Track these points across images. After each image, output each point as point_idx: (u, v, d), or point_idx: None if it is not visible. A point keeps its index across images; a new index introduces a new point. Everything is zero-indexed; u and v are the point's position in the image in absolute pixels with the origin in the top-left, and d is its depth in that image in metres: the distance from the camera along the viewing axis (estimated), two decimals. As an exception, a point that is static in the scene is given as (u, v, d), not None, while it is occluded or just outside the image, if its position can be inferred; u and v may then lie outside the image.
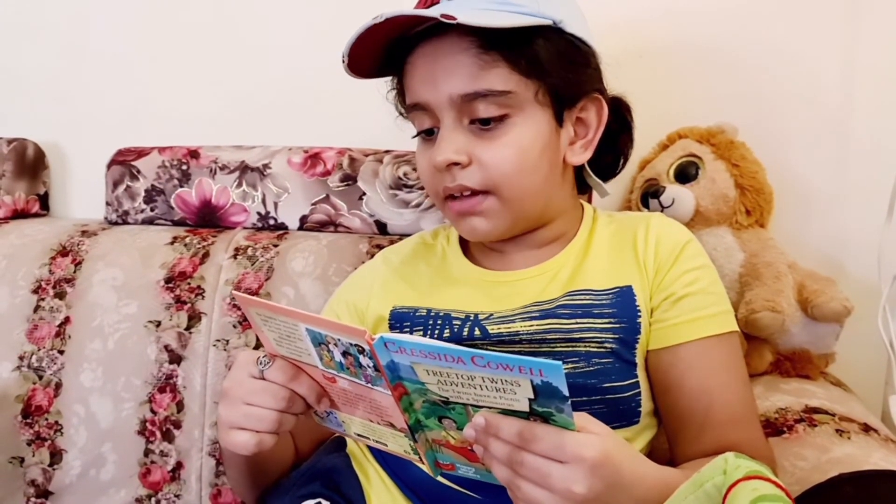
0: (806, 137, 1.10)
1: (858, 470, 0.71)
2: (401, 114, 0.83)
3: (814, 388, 0.94)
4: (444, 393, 0.55)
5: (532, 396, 0.51)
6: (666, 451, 0.75)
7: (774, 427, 0.84)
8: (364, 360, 0.56)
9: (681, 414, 0.72)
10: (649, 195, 1.02)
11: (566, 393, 0.50)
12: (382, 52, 0.75)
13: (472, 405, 0.55)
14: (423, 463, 0.63)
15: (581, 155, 0.78)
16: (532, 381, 0.50)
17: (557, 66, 0.72)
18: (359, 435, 0.67)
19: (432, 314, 0.77)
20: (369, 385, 0.58)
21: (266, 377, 0.63)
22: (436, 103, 0.72)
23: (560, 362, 0.48)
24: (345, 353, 0.57)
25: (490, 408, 0.54)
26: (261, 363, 0.63)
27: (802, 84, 1.10)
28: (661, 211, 1.00)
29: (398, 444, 0.63)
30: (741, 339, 0.96)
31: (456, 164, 0.72)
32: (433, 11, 0.67)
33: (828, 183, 1.11)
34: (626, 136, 0.83)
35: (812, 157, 1.11)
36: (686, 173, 1.01)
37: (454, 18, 0.65)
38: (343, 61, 0.74)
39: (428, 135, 0.75)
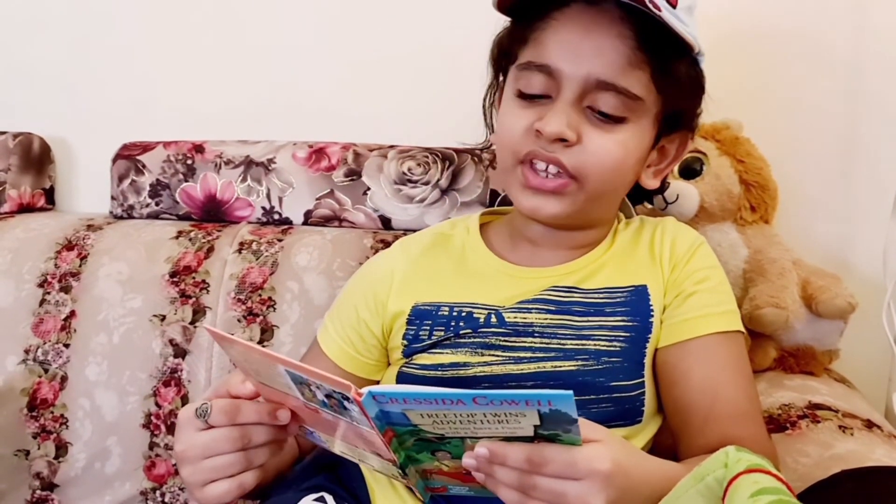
0: (811, 134, 1.10)
1: (861, 466, 0.71)
2: (495, 60, 0.79)
3: (817, 385, 0.94)
4: (438, 431, 0.53)
5: (538, 423, 0.50)
6: (669, 447, 0.75)
7: (778, 423, 0.84)
8: (348, 405, 0.54)
9: (686, 407, 0.72)
10: (653, 191, 1.02)
11: (575, 417, 0.49)
12: None
13: (469, 437, 0.53)
14: (413, 487, 0.63)
15: (652, 180, 0.78)
16: (540, 411, 0.49)
17: (686, 93, 0.73)
18: (342, 452, 0.65)
19: (455, 312, 0.76)
20: (355, 424, 0.56)
21: (212, 424, 0.60)
22: (569, 75, 0.69)
23: (570, 392, 0.47)
24: (328, 396, 0.55)
25: (490, 437, 0.53)
26: (200, 413, 0.60)
27: (808, 80, 1.10)
28: (665, 207, 1.00)
29: (384, 468, 0.62)
30: (745, 335, 0.96)
31: (563, 140, 0.69)
32: None
33: (833, 179, 1.11)
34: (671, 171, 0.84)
35: (817, 153, 1.11)
36: (691, 169, 1.01)
37: (659, 9, 0.64)
38: None
39: (533, 98, 0.72)
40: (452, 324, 0.76)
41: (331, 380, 0.52)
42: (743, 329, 0.76)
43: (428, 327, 0.77)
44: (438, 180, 1.09)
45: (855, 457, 0.74)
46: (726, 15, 1.10)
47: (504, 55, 0.78)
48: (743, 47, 1.10)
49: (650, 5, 0.64)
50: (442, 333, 0.76)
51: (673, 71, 0.70)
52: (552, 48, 0.70)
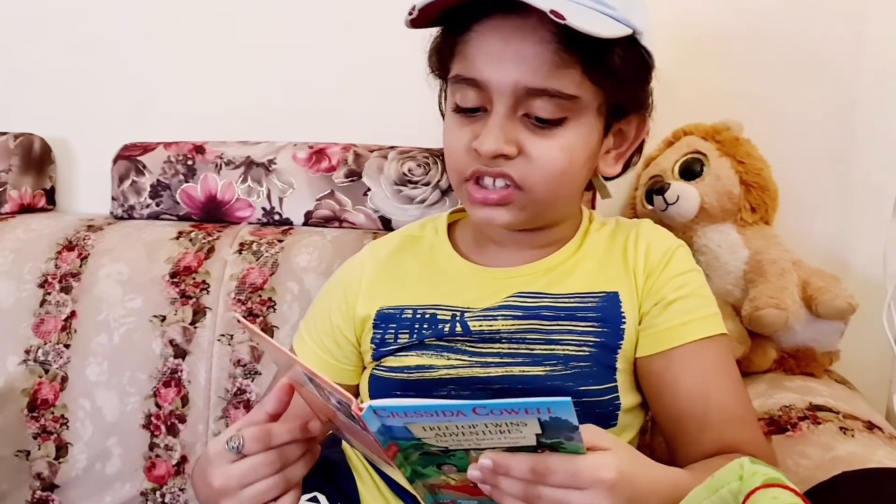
0: (811, 135, 1.10)
1: (862, 468, 0.71)
2: (435, 72, 0.77)
3: (818, 386, 0.94)
4: (442, 444, 0.53)
5: (539, 432, 0.50)
6: (666, 451, 0.75)
7: (778, 425, 0.84)
8: (354, 415, 0.53)
9: (678, 417, 0.71)
10: (654, 192, 1.02)
11: (576, 424, 0.48)
12: (447, 8, 0.68)
13: (473, 449, 0.53)
14: (421, 500, 0.62)
15: (613, 167, 0.76)
16: (540, 419, 0.48)
17: (627, 80, 0.70)
18: (363, 453, 0.65)
19: (418, 315, 0.76)
20: (364, 431, 0.55)
21: (246, 453, 0.59)
22: (497, 86, 0.67)
23: (569, 398, 0.47)
24: (339, 402, 0.55)
25: (494, 448, 0.52)
26: (231, 446, 0.59)
27: (808, 81, 1.10)
28: (666, 208, 1.00)
29: (395, 474, 0.62)
30: (745, 337, 0.96)
31: (503, 155, 0.68)
32: (543, 2, 0.62)
33: (833, 180, 1.11)
34: (640, 146, 0.81)
35: (817, 154, 1.11)
36: (691, 170, 1.01)
37: (563, 18, 0.61)
38: (410, 14, 0.68)
39: (470, 112, 0.71)
40: (416, 326, 0.75)
41: (335, 389, 0.52)
42: (726, 331, 0.74)
43: (393, 331, 0.76)
44: (439, 181, 1.09)
45: (856, 458, 0.73)
46: (727, 17, 1.10)
47: (439, 64, 0.76)
48: (744, 49, 1.10)
49: (552, 16, 0.62)
50: (407, 337, 0.75)
51: (606, 63, 0.67)
52: (477, 60, 0.68)
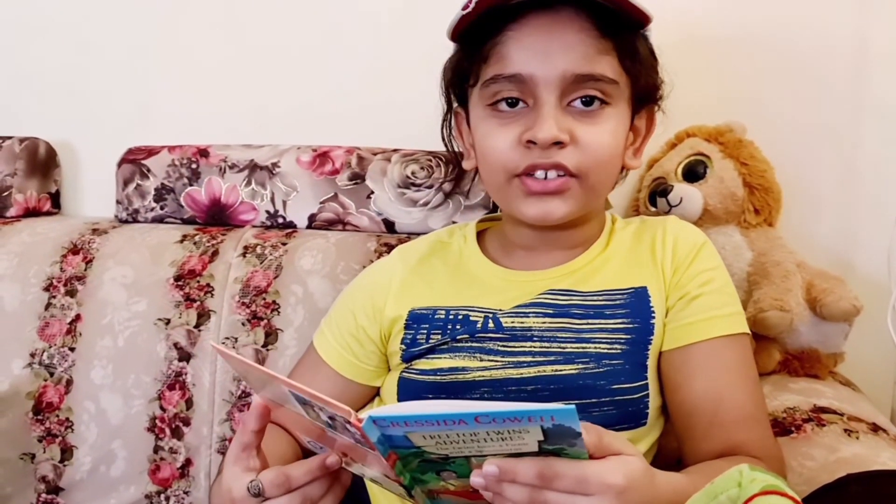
0: (815, 136, 1.10)
1: (866, 470, 0.70)
2: (455, 81, 0.79)
3: (822, 388, 0.94)
4: (442, 451, 0.52)
5: (542, 439, 0.49)
6: (674, 450, 0.75)
7: (783, 426, 0.84)
8: (352, 427, 0.52)
9: (690, 412, 0.72)
10: (657, 194, 1.02)
11: (579, 431, 0.48)
12: (493, 6, 0.71)
13: (474, 456, 0.52)
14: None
15: (635, 161, 0.79)
16: (543, 427, 0.48)
17: (648, 68, 0.74)
18: (349, 466, 0.64)
19: (451, 315, 0.77)
20: (359, 444, 0.55)
21: (267, 496, 0.59)
22: (543, 78, 0.70)
23: (573, 407, 0.46)
24: (331, 417, 0.54)
25: (495, 454, 0.51)
26: (254, 492, 0.59)
27: (812, 82, 1.10)
28: (669, 210, 1.00)
29: (391, 486, 0.62)
30: (750, 339, 0.96)
31: (558, 143, 0.70)
32: None
33: (837, 181, 1.11)
34: None
35: (821, 155, 1.11)
36: (694, 172, 1.01)
37: None
38: (465, 8, 0.70)
39: (510, 105, 0.72)
40: (449, 327, 0.76)
41: (331, 403, 0.52)
42: (748, 330, 0.75)
43: (425, 331, 0.77)
44: (442, 184, 1.09)
45: (860, 460, 0.73)
46: (730, 18, 1.10)
47: (462, 78, 0.77)
48: (747, 50, 1.10)
49: None
50: (439, 337, 0.76)
51: (635, 49, 0.72)
52: (518, 57, 0.71)
